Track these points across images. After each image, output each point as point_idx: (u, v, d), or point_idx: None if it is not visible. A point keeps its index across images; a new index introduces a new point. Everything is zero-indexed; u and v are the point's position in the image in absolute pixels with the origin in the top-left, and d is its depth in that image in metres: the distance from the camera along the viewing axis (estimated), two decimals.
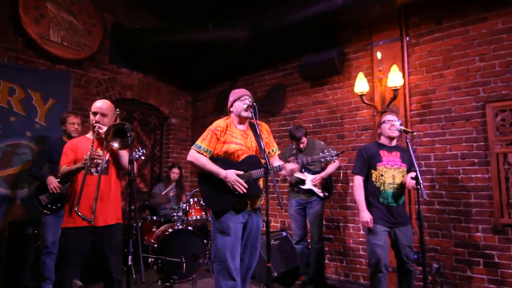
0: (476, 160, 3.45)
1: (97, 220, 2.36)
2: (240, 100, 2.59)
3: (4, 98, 3.78)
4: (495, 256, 3.27)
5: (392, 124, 2.95)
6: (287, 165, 2.56)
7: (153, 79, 5.62)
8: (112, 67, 5.02)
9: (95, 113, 2.49)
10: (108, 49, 4.95)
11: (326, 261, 4.28)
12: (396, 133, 2.95)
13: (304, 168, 3.87)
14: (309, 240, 3.99)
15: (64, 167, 2.43)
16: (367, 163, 3.00)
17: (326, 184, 3.88)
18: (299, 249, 3.91)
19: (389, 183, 2.90)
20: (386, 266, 2.83)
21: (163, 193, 4.80)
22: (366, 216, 2.88)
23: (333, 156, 2.53)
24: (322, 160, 2.55)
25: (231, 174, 2.43)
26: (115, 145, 2.33)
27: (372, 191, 2.96)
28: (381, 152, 2.98)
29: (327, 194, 3.86)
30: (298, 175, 3.83)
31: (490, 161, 3.33)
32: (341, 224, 4.27)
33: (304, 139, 3.87)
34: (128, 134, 2.26)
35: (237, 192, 2.42)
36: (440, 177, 3.64)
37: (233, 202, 2.48)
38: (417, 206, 2.77)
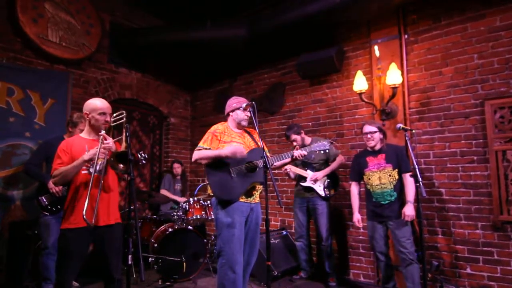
0: (475, 158, 3.45)
1: (98, 220, 2.35)
2: (242, 110, 2.76)
3: (3, 98, 3.77)
4: (494, 253, 3.28)
5: (368, 138, 3.27)
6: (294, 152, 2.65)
7: (152, 79, 5.61)
8: (111, 67, 5.02)
9: (103, 114, 2.41)
10: (106, 49, 4.95)
11: None
12: (372, 143, 3.27)
13: (306, 165, 3.86)
14: (313, 239, 4.00)
15: (61, 168, 2.30)
16: (357, 170, 3.41)
17: (329, 183, 3.85)
18: (298, 246, 3.98)
19: (376, 185, 3.24)
20: (382, 253, 3.27)
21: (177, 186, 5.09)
22: (354, 217, 3.37)
23: (326, 146, 2.61)
24: (317, 149, 2.62)
25: (230, 148, 2.58)
26: (120, 166, 2.33)
27: (366, 193, 3.37)
28: (367, 158, 3.33)
29: (328, 193, 3.81)
30: (301, 172, 3.82)
31: (489, 158, 3.33)
32: (340, 222, 4.27)
33: (295, 137, 3.84)
34: (130, 158, 2.26)
35: (239, 157, 2.58)
36: (439, 175, 3.64)
37: (240, 191, 2.62)
38: (416, 204, 2.79)
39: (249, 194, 2.69)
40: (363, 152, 3.43)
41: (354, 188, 3.44)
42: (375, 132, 3.24)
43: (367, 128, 3.27)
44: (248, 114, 2.75)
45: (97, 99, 2.53)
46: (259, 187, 2.75)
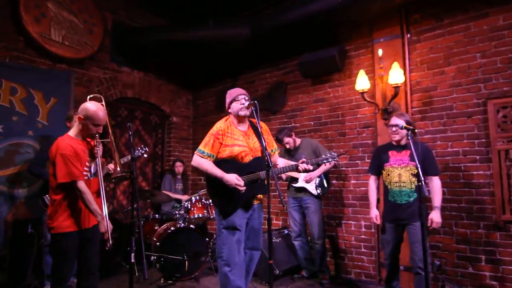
0: (477, 157, 3.45)
1: (89, 222, 2.42)
2: (236, 101, 2.66)
3: (6, 97, 3.79)
4: (496, 252, 3.27)
5: (392, 131, 3.05)
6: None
7: (154, 78, 5.62)
8: (113, 66, 5.03)
9: (97, 125, 2.40)
10: (109, 48, 4.96)
11: (328, 259, 4.28)
12: (397, 137, 3.06)
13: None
14: (309, 238, 4.03)
15: (90, 197, 2.29)
16: (377, 163, 3.18)
17: (321, 182, 3.88)
18: (297, 244, 4.00)
19: (395, 182, 3.03)
20: (391, 255, 3.11)
21: (178, 188, 5.10)
22: (372, 213, 3.17)
23: (335, 158, 2.63)
24: (324, 162, 2.66)
25: (230, 177, 2.50)
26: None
27: (384, 190, 3.17)
28: (390, 152, 3.11)
29: (320, 191, 3.83)
30: (292, 173, 3.83)
31: (492, 157, 3.33)
32: (342, 222, 4.27)
33: (288, 139, 3.92)
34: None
35: (237, 191, 2.52)
36: (441, 174, 3.63)
37: (241, 203, 2.58)
38: (419, 204, 2.78)
39: (248, 203, 2.63)
40: (387, 145, 3.21)
41: (372, 183, 3.23)
42: (401, 125, 2.96)
43: (394, 120, 3.04)
44: (243, 102, 2.63)
45: (97, 107, 2.40)
46: (259, 196, 2.72)
